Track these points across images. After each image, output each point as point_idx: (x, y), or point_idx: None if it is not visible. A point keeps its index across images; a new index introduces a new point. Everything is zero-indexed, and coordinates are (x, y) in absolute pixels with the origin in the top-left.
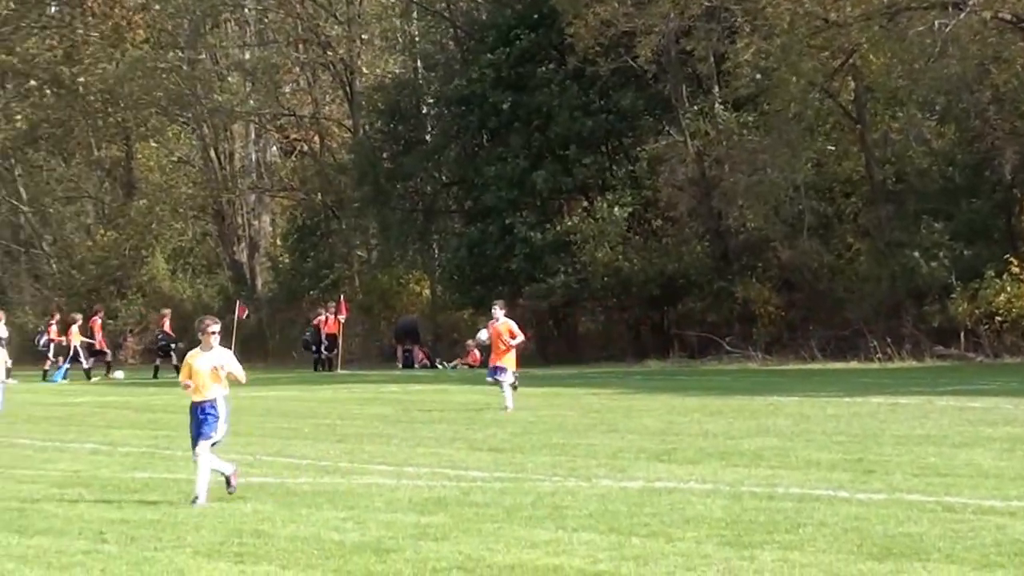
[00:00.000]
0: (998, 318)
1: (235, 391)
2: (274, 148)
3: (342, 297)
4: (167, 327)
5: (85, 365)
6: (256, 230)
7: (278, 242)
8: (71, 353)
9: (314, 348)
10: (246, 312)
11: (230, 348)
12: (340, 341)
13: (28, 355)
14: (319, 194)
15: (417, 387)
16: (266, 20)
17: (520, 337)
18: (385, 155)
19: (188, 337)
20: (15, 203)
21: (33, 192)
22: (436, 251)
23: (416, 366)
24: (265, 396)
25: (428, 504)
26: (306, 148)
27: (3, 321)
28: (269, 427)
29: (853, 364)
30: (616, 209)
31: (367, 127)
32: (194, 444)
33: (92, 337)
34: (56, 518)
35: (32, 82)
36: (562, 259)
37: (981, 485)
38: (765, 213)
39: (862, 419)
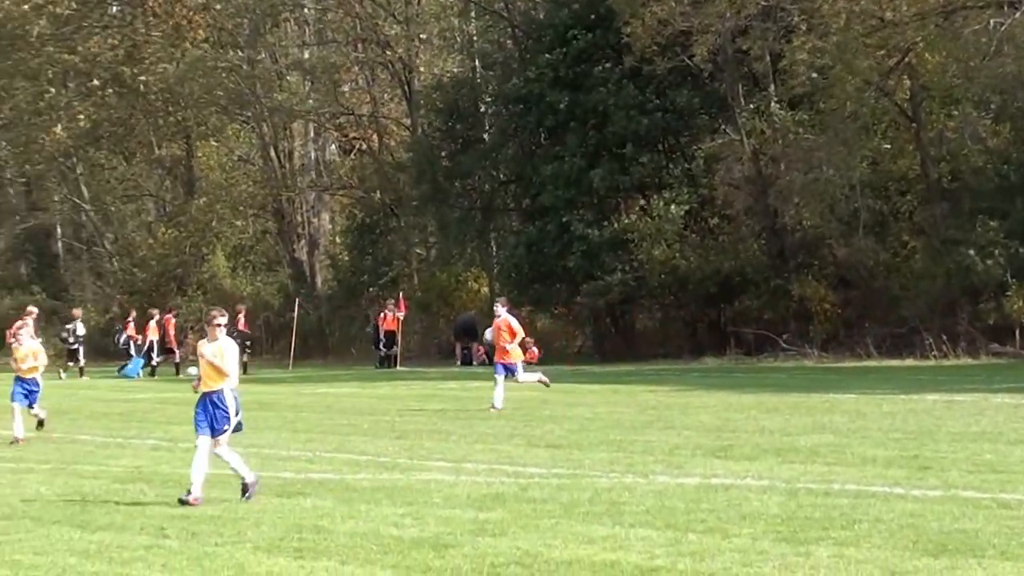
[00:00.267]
0: None
1: (297, 388)
2: (333, 146)
3: (401, 294)
4: (243, 324)
5: (153, 362)
6: (316, 228)
7: (337, 240)
8: (146, 347)
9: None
10: (301, 308)
11: (291, 345)
12: (399, 338)
13: (92, 351)
14: (378, 192)
15: (475, 384)
16: (325, 20)
17: (519, 335)
18: (443, 153)
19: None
20: (77, 202)
21: (95, 191)
22: (494, 249)
23: (474, 363)
24: (325, 392)
25: (486, 500)
26: (365, 147)
27: (80, 319)
28: (329, 423)
29: (908, 362)
30: (673, 207)
31: (425, 126)
32: (198, 432)
33: (165, 335)
34: (118, 513)
35: (94, 81)
36: (619, 257)
37: None
38: (821, 211)
39: (918, 416)
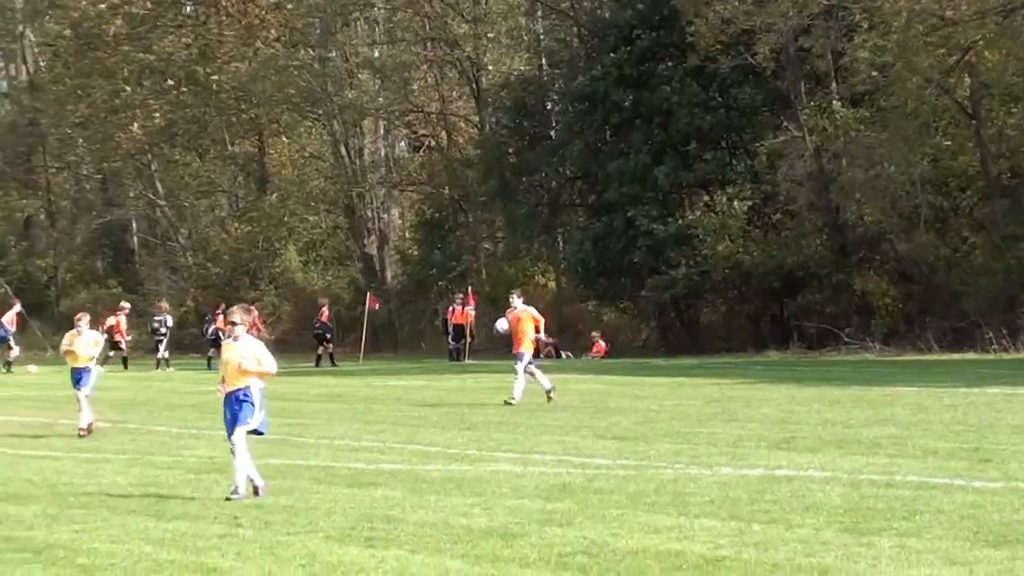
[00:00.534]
0: None
1: (368, 380)
2: (403, 143)
3: (469, 289)
4: (325, 317)
5: None
6: (385, 223)
7: (407, 235)
8: None
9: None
10: (377, 304)
11: (362, 338)
12: (468, 332)
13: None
14: (447, 188)
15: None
16: (395, 19)
17: (541, 322)
18: (511, 150)
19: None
20: (152, 197)
21: (169, 187)
22: (561, 244)
23: (540, 356)
24: (395, 385)
25: (554, 490)
26: (434, 143)
27: (167, 312)
28: (399, 415)
29: (969, 355)
30: (736, 203)
31: (493, 123)
32: (229, 433)
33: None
34: (192, 503)
35: (169, 80)
36: (683, 252)
37: None
38: (882, 207)
39: (979, 409)
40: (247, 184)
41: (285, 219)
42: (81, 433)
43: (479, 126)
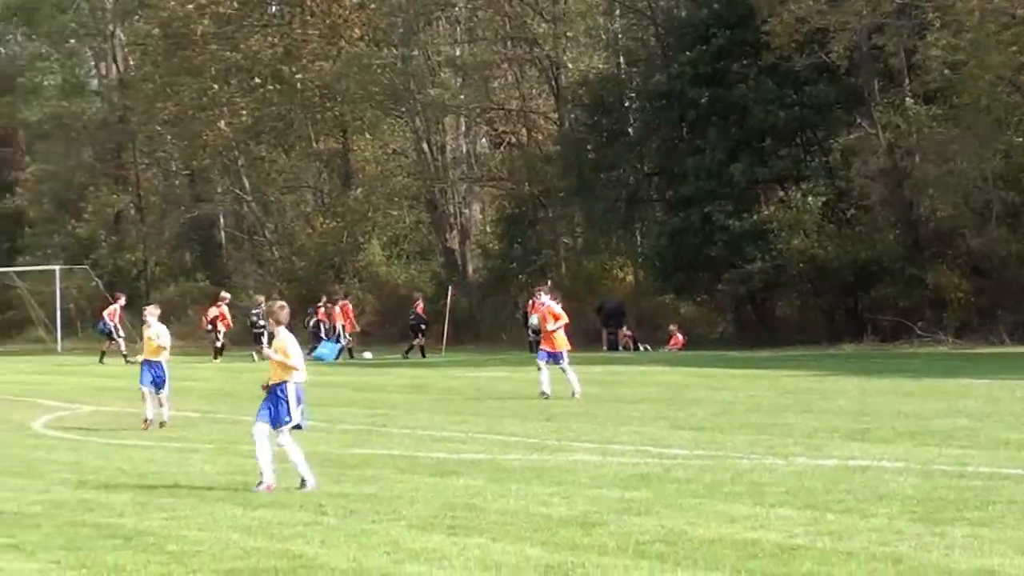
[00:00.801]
0: None
1: (450, 372)
2: (483, 140)
3: (549, 283)
4: (420, 309)
5: (343, 344)
6: (467, 218)
7: (488, 229)
8: (337, 333)
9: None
10: (456, 296)
11: (444, 331)
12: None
13: (248, 335)
14: (527, 184)
15: (621, 368)
16: (476, 18)
17: (562, 320)
18: (589, 147)
19: (401, 321)
20: (239, 193)
21: (256, 182)
22: (639, 238)
23: (620, 348)
24: (476, 376)
25: (632, 480)
26: (514, 140)
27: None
28: (480, 406)
29: None
30: (810, 199)
31: (572, 120)
32: (256, 420)
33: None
34: (278, 491)
35: (255, 79)
36: (759, 246)
37: None
38: (955, 202)
39: None
40: (332, 180)
41: (369, 214)
42: (161, 424)
43: (558, 123)
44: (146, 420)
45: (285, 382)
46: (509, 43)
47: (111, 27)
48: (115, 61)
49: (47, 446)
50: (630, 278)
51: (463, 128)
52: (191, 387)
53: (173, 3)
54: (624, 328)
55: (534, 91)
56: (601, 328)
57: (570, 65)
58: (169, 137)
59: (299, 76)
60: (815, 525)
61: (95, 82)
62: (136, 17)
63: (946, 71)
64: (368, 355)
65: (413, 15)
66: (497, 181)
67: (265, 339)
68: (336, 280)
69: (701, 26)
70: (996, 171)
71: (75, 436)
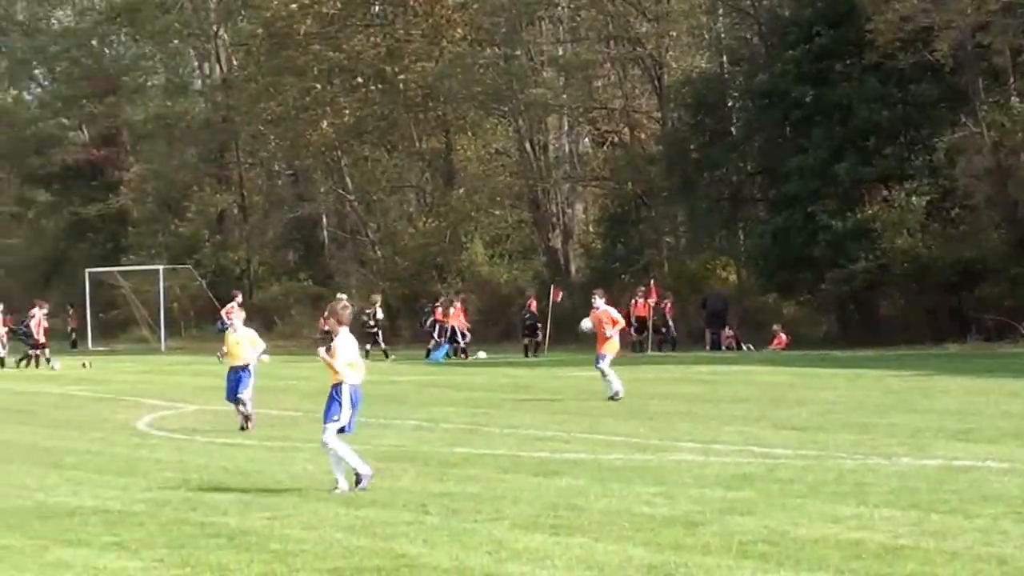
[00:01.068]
0: None
1: (552, 371)
2: (586, 140)
3: (652, 281)
4: (534, 307)
5: (462, 344)
6: (569, 217)
7: (590, 229)
8: (450, 333)
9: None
10: (560, 295)
11: (545, 329)
12: (650, 324)
13: (360, 335)
14: (629, 183)
15: (724, 368)
16: (579, 18)
17: (620, 323)
18: (692, 146)
19: (503, 321)
20: (342, 193)
21: (359, 182)
22: (742, 237)
23: (723, 348)
24: (578, 376)
25: (735, 480)
26: (617, 140)
27: (379, 304)
28: (583, 405)
29: None
30: (914, 198)
31: (675, 119)
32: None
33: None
34: (381, 491)
35: (358, 79)
36: (863, 246)
37: None
38: None
39: None
40: (434, 180)
41: (471, 214)
42: (248, 425)
43: (661, 122)
44: (247, 419)
45: (341, 383)
46: (612, 42)
47: (214, 27)
48: (218, 61)
49: (150, 445)
50: (733, 277)
51: (566, 127)
52: (293, 386)
53: (276, 3)
54: (727, 328)
55: (637, 90)
56: (704, 328)
57: (673, 64)
58: (272, 137)
59: (402, 76)
60: (919, 525)
61: (198, 82)
62: (239, 17)
63: None
64: (482, 355)
65: (516, 15)
66: (600, 180)
67: (381, 337)
68: (439, 280)
69: (804, 25)
70: None
71: (178, 435)
